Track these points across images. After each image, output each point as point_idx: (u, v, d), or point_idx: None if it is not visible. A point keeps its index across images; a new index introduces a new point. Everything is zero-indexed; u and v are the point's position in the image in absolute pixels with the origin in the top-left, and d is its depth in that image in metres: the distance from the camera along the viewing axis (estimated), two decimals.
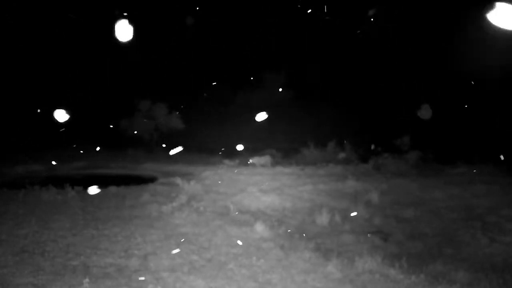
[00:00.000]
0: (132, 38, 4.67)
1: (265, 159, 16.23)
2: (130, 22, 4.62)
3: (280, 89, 24.86)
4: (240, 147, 16.42)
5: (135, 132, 22.99)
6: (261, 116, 10.39)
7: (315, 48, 24.60)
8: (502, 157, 14.11)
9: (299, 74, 25.24)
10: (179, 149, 13.91)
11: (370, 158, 15.97)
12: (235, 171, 14.76)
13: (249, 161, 16.31)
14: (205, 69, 25.69)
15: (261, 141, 19.67)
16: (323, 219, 8.10)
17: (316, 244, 6.74)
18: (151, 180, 13.42)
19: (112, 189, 10.62)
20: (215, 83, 24.78)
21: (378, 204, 9.63)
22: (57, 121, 7.85)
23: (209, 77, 25.41)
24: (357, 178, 12.07)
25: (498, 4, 2.53)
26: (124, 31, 4.64)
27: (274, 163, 16.45)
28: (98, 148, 19.77)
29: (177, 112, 23.43)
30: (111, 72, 24.51)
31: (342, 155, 17.00)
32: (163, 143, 23.59)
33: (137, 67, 24.30)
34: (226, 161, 16.71)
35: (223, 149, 20.19)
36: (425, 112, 16.41)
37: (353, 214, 8.69)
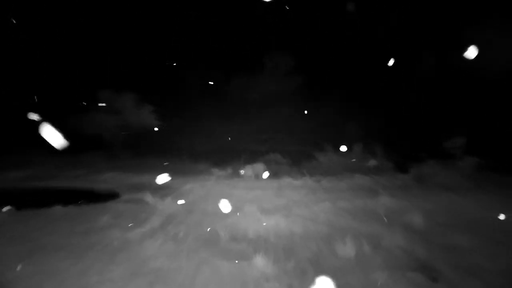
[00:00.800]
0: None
1: (259, 167, 16.13)
2: None
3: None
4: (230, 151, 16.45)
5: (93, 131, 23.03)
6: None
7: (331, 21, 24.54)
8: None
9: (311, 55, 25.21)
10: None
11: (410, 166, 15.91)
12: (228, 183, 14.71)
13: (240, 171, 16.25)
14: (187, 48, 25.65)
15: (261, 143, 19.67)
16: (346, 249, 7.98)
17: (337, 285, 6.63)
18: (112, 196, 13.38)
19: (61, 208, 10.58)
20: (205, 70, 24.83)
21: (421, 229, 9.50)
22: None
23: (193, 59, 25.42)
24: (392, 194, 11.97)
25: None
26: None
27: (279, 173, 16.41)
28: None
29: (150, 105, 23.52)
30: (55, 51, 24.50)
31: (371, 162, 16.98)
32: (131, 146, 23.69)
33: (94, 45, 24.38)
34: (216, 170, 16.71)
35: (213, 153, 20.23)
36: None
37: (387, 241, 8.57)
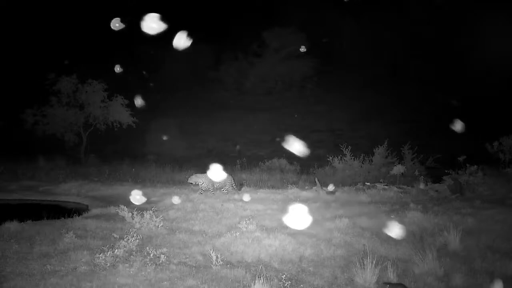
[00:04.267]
0: None
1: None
2: None
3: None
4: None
5: (51, 130, 23.14)
6: None
7: None
8: None
9: (325, 35, 25.26)
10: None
11: (446, 174, 15.91)
12: (218, 195, 14.72)
13: (239, 186, 16.19)
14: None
15: (263, 145, 19.72)
16: (366, 276, 7.97)
17: None
18: (77, 211, 13.38)
19: (11, 226, 10.56)
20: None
21: (460, 252, 9.52)
22: None
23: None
24: (424, 208, 11.96)
25: None
26: None
27: (284, 182, 16.40)
28: None
29: (122, 98, 23.64)
30: None
31: (398, 168, 16.95)
32: (98, 149, 23.76)
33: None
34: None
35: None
36: None
37: (418, 267, 8.58)
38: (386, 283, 7.67)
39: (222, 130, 25.97)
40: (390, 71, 27.55)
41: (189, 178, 15.56)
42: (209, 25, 30.69)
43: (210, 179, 15.38)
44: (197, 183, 15.43)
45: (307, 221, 11.35)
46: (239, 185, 16.39)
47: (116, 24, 16.31)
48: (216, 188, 15.40)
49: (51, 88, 23.41)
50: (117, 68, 25.96)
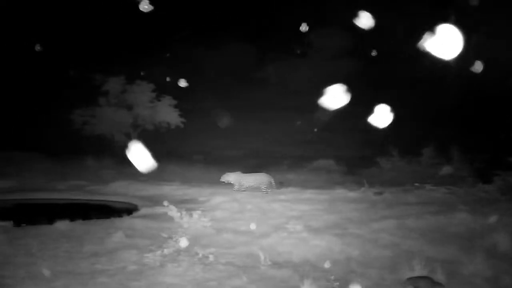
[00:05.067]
0: None
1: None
2: None
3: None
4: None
5: (98, 131, 23.47)
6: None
7: None
8: None
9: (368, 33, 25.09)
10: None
11: (496, 174, 15.62)
12: (265, 195, 14.77)
13: (278, 185, 16.16)
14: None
15: (310, 146, 19.68)
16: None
17: None
18: (126, 210, 13.65)
19: (61, 225, 10.82)
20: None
21: (509, 253, 9.34)
22: None
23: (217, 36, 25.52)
24: (472, 209, 11.80)
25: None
26: None
27: (331, 183, 16.34)
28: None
29: (171, 97, 23.79)
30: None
31: (447, 169, 16.73)
32: (146, 149, 24.06)
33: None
34: (273, 180, 16.78)
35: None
36: None
37: (466, 269, 8.51)
38: (410, 278, 7.65)
39: (267, 130, 25.94)
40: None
41: (221, 177, 15.73)
42: (252, 24, 30.73)
43: (241, 178, 15.50)
44: (229, 181, 15.57)
45: (352, 221, 11.35)
46: (278, 185, 16.36)
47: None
48: (248, 187, 15.44)
49: (99, 88, 23.90)
50: (162, 69, 26.28)
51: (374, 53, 23.76)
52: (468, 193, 14.70)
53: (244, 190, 15.38)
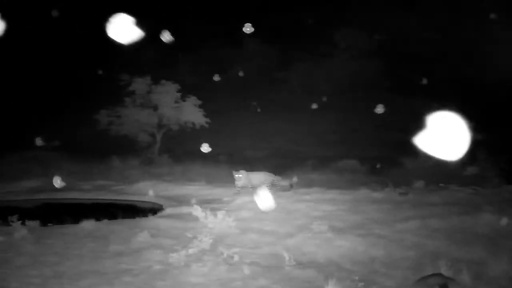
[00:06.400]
0: None
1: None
2: None
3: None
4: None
5: (124, 131, 23.70)
6: None
7: None
8: None
9: (393, 33, 24.98)
10: None
11: None
12: (289, 195, 14.77)
13: (291, 184, 16.09)
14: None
15: (333, 146, 19.63)
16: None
17: None
18: (151, 210, 13.81)
19: (87, 225, 10.98)
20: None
21: None
22: None
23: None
24: (498, 209, 11.70)
25: None
26: None
27: (355, 183, 16.31)
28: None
29: (196, 98, 23.95)
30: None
31: (471, 169, 16.60)
32: (169, 150, 24.26)
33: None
34: (276, 179, 16.83)
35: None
36: None
37: (492, 270, 8.46)
38: (424, 277, 7.60)
39: (290, 129, 25.95)
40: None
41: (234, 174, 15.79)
42: (275, 25, 30.75)
43: (247, 177, 15.52)
44: (239, 179, 15.61)
45: (376, 222, 11.36)
46: (289, 186, 16.35)
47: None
48: (254, 185, 15.42)
49: (125, 89, 24.15)
50: (186, 68, 26.42)
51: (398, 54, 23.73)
52: (493, 193, 14.56)
53: (251, 187, 15.36)
